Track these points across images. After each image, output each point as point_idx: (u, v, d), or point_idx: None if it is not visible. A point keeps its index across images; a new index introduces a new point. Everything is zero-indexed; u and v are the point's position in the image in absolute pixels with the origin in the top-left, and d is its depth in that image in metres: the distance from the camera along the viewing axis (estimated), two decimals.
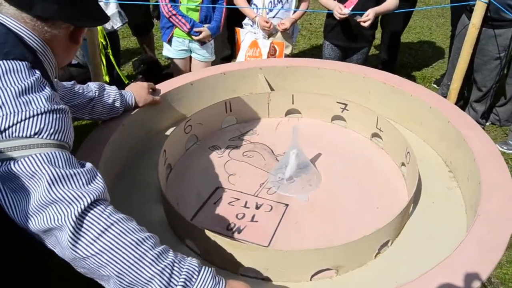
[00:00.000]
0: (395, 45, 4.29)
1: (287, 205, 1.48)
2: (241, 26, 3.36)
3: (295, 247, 1.31)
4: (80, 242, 0.87)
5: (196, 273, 0.91)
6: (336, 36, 3.29)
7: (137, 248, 0.89)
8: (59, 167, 0.90)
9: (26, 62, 0.96)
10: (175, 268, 0.89)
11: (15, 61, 0.94)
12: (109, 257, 0.87)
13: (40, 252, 1.19)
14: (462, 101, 3.72)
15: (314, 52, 5.33)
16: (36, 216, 0.88)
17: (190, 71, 3.26)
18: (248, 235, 1.37)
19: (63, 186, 0.89)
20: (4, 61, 0.93)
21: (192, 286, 0.89)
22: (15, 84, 0.92)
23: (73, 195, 0.88)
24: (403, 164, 1.61)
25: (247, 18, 3.28)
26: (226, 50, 4.43)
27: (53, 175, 0.88)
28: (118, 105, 1.61)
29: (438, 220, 1.40)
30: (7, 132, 0.88)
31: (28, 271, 1.16)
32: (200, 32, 3.11)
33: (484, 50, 3.25)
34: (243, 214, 1.45)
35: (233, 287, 0.95)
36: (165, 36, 3.22)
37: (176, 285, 0.88)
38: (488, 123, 3.77)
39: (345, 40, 3.26)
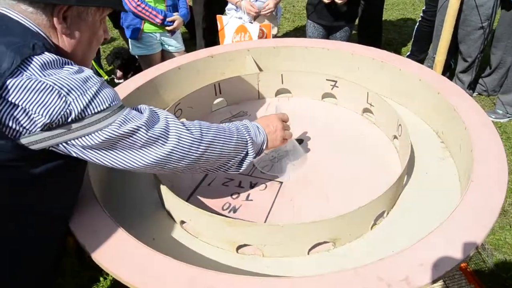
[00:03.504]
0: (378, 21, 4.29)
1: (281, 182, 1.48)
2: (223, 13, 3.32)
3: (291, 222, 1.31)
4: (194, 133, 1.12)
5: (248, 129, 1.27)
6: (319, 15, 3.29)
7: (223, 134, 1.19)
8: (138, 118, 1.04)
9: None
10: (240, 132, 1.24)
11: (46, 53, 0.96)
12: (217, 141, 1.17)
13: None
14: (448, 73, 3.74)
15: (298, 34, 5.31)
16: (148, 155, 1.06)
17: None
18: (244, 213, 1.37)
19: (151, 128, 1.06)
20: (37, 56, 0.93)
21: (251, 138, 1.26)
22: (64, 70, 0.96)
23: (160, 129, 1.07)
24: (395, 137, 1.61)
25: (229, 4, 3.25)
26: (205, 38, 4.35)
27: (141, 124, 1.04)
28: None
29: (432, 190, 1.41)
30: (87, 110, 0.96)
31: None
32: (173, 21, 3.07)
33: (467, 21, 3.27)
34: (238, 193, 1.44)
35: (263, 121, 1.35)
36: (134, 34, 3.10)
37: (247, 140, 1.24)
38: (475, 94, 3.81)
39: (327, 19, 3.27)
